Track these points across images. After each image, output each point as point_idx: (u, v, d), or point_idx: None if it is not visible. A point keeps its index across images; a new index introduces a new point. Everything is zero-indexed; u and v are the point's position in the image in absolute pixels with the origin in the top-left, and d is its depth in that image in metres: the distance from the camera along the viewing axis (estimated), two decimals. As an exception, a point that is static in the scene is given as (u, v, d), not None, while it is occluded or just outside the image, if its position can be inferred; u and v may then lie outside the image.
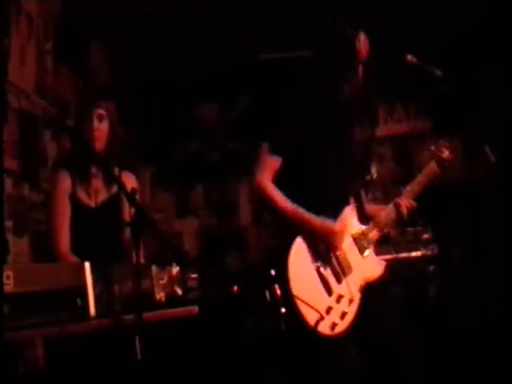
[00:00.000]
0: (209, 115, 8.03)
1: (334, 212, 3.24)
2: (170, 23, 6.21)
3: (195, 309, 2.99)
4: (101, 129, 3.36)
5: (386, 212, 3.41)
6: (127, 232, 3.35)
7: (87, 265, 2.51)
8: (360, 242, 3.31)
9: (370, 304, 3.25)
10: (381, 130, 7.73)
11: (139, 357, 2.50)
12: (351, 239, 3.29)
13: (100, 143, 3.37)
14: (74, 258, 3.23)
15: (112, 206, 3.46)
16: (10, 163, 4.36)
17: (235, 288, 5.69)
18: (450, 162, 3.67)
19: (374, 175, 7.17)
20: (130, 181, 3.49)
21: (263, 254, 7.27)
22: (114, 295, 2.60)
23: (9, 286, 2.25)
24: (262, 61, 7.16)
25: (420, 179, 3.56)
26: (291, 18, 6.20)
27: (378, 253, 3.42)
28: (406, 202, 3.46)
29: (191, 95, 7.86)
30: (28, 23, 4.76)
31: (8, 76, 4.38)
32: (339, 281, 3.16)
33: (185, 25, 6.25)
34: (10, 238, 4.28)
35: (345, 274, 3.19)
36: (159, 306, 2.83)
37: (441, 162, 3.64)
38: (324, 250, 3.15)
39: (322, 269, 3.11)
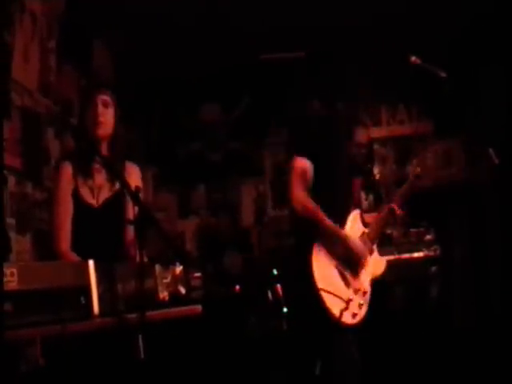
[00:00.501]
0: (210, 115, 8.03)
1: (338, 215, 3.51)
2: (172, 23, 6.21)
3: (198, 308, 2.99)
4: (106, 114, 3.30)
5: (381, 216, 3.72)
6: (130, 231, 3.34)
7: (91, 263, 2.51)
8: (366, 242, 3.60)
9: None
10: (383, 132, 7.73)
11: (142, 356, 2.50)
12: (360, 241, 3.57)
13: (104, 131, 3.31)
14: (74, 257, 3.22)
15: (115, 204, 3.43)
16: (13, 161, 4.36)
17: (237, 288, 5.69)
18: (423, 174, 4.12)
19: (377, 176, 7.16)
20: (134, 172, 3.48)
21: (266, 254, 7.28)
22: (117, 294, 2.59)
23: (13, 284, 2.24)
24: (263, 61, 7.16)
25: (402, 191, 3.88)
26: (292, 18, 6.20)
27: (380, 253, 3.67)
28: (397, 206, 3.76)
29: (193, 95, 7.86)
30: (32, 22, 4.76)
31: (11, 74, 4.39)
32: (355, 276, 3.48)
33: (187, 25, 6.25)
34: (12, 236, 4.28)
35: (359, 271, 3.50)
36: (162, 305, 2.82)
37: (417, 177, 4.03)
38: (342, 252, 3.44)
39: (340, 266, 3.42)
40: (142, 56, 6.72)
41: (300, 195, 3.36)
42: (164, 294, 2.84)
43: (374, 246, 3.68)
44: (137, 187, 2.77)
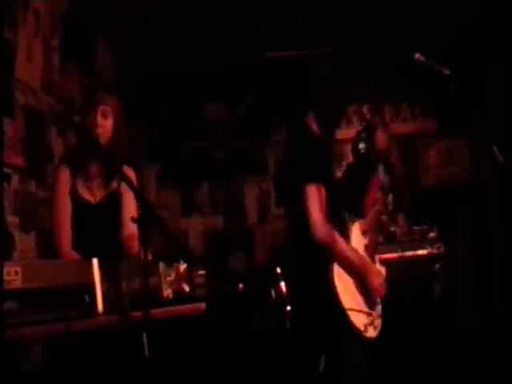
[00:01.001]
0: (214, 113, 8.04)
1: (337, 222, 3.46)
2: (176, 22, 6.21)
3: (202, 306, 2.99)
4: (104, 125, 3.33)
5: (370, 219, 3.80)
6: (128, 226, 3.34)
7: (95, 261, 2.51)
8: (369, 254, 3.64)
9: None
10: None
11: (147, 353, 2.50)
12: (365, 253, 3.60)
13: (103, 139, 3.35)
14: (75, 255, 3.22)
15: (112, 201, 3.44)
16: (17, 159, 4.36)
17: (241, 286, 5.70)
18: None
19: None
20: (129, 175, 3.48)
21: (269, 252, 7.28)
22: (121, 292, 2.59)
23: (17, 282, 2.24)
24: (267, 59, 7.15)
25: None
26: (297, 17, 6.21)
27: (384, 251, 3.66)
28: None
29: (197, 94, 7.87)
30: (35, 20, 4.76)
31: (15, 72, 4.39)
32: (371, 289, 3.46)
33: (190, 23, 6.25)
34: (16, 234, 4.28)
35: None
36: (166, 302, 2.82)
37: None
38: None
39: (357, 282, 3.40)
40: (145, 55, 6.72)
41: (321, 221, 3.29)
42: (168, 292, 2.84)
43: (376, 253, 3.73)
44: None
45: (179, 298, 2.88)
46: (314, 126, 3.51)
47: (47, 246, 4.21)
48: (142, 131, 7.48)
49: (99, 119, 3.31)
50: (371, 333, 3.38)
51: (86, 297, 2.45)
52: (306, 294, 3.40)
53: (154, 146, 7.87)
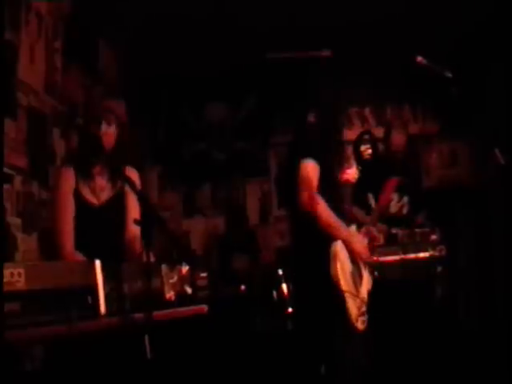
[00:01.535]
0: (216, 115, 8.04)
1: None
2: (179, 24, 6.21)
3: (205, 307, 2.99)
4: (109, 133, 3.34)
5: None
6: (131, 229, 3.35)
7: (98, 263, 2.51)
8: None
9: None
10: (388, 131, 7.71)
11: (149, 355, 2.50)
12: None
13: (108, 146, 3.35)
14: (79, 257, 3.23)
15: (116, 203, 3.44)
16: (19, 161, 4.37)
17: (243, 287, 5.70)
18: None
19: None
20: (133, 176, 3.48)
21: (272, 254, 7.28)
22: (124, 294, 2.60)
23: (20, 284, 2.25)
24: (270, 61, 7.16)
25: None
26: (299, 19, 6.21)
27: (385, 254, 3.73)
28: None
29: (199, 95, 7.87)
30: (38, 22, 4.77)
31: (17, 74, 4.40)
32: (361, 283, 3.59)
33: (193, 25, 6.26)
34: (18, 235, 4.29)
35: (362, 279, 3.62)
36: (169, 304, 2.83)
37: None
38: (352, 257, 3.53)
39: (353, 272, 3.51)
40: (147, 56, 6.73)
41: (311, 199, 3.36)
42: (170, 294, 2.84)
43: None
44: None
45: (181, 299, 2.89)
46: (314, 120, 3.56)
47: (49, 247, 4.22)
48: (145, 133, 7.48)
49: (104, 127, 3.31)
50: (360, 325, 3.42)
51: (89, 298, 2.46)
52: (307, 278, 3.46)
53: (156, 147, 7.87)
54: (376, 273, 3.94)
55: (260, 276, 6.07)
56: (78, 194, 3.35)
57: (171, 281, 2.86)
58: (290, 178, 3.54)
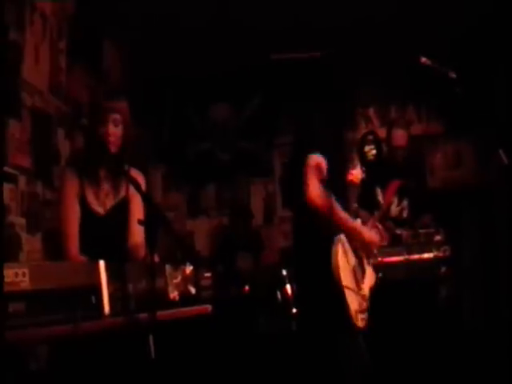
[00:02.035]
0: (221, 115, 8.04)
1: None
2: (183, 24, 6.22)
3: (208, 307, 2.99)
4: (116, 134, 3.33)
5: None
6: (135, 234, 3.35)
7: (102, 263, 2.52)
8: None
9: None
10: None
11: (153, 355, 2.50)
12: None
13: (114, 147, 3.35)
14: (83, 259, 3.22)
15: (120, 211, 3.43)
16: (24, 161, 4.37)
17: (247, 288, 5.70)
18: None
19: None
20: (137, 178, 3.47)
21: (277, 254, 7.28)
22: (128, 294, 2.60)
23: (24, 284, 2.25)
24: (274, 61, 7.16)
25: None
26: (304, 18, 6.21)
27: (390, 254, 3.72)
28: None
29: (203, 95, 7.88)
30: (42, 22, 4.77)
31: (22, 74, 4.40)
32: (362, 281, 3.57)
33: (197, 25, 6.26)
34: (23, 235, 4.29)
35: (365, 275, 3.60)
36: (173, 304, 2.83)
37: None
38: (357, 247, 3.54)
39: (356, 267, 3.50)
40: (152, 56, 6.74)
41: (318, 191, 3.35)
42: (174, 294, 2.84)
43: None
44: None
45: (185, 299, 2.89)
46: (321, 122, 3.56)
47: (53, 247, 4.23)
48: (149, 133, 7.48)
49: (111, 129, 3.30)
50: (359, 322, 3.39)
51: (93, 298, 2.46)
52: (308, 274, 3.45)
53: (161, 147, 7.87)
54: (380, 274, 3.94)
55: (264, 276, 6.07)
56: (83, 201, 3.33)
57: (175, 281, 2.86)
58: (294, 175, 3.53)
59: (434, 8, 6.09)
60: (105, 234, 3.34)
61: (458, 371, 4.86)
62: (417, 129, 7.77)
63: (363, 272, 3.60)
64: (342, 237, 3.45)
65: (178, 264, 2.91)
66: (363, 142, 5.53)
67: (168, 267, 2.86)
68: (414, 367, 4.69)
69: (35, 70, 4.62)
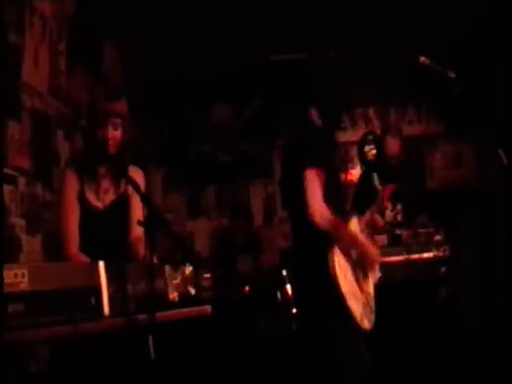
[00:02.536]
0: (221, 116, 8.05)
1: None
2: (183, 25, 6.22)
3: (208, 308, 3.00)
4: (115, 137, 3.35)
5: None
6: (134, 230, 3.36)
7: (101, 264, 2.52)
8: None
9: None
10: (392, 132, 7.72)
11: (152, 356, 2.50)
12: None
13: (113, 148, 3.37)
14: (83, 259, 3.24)
15: (120, 206, 3.46)
16: (23, 162, 4.38)
17: (247, 289, 5.70)
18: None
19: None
20: (137, 176, 3.48)
21: (277, 255, 7.28)
22: (127, 295, 2.60)
23: (23, 285, 2.25)
24: (274, 62, 7.16)
25: None
26: (304, 20, 6.21)
27: (390, 254, 3.69)
28: None
29: (204, 96, 7.88)
30: (42, 24, 4.77)
31: (22, 76, 4.41)
32: (365, 281, 3.53)
33: (198, 26, 6.27)
34: (22, 236, 4.30)
35: (367, 275, 3.56)
36: (172, 305, 2.83)
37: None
38: (356, 255, 3.46)
39: (355, 269, 3.43)
40: (152, 57, 6.74)
41: (319, 206, 3.33)
42: (174, 295, 2.84)
43: None
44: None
45: (185, 300, 2.89)
46: (316, 119, 3.55)
47: (53, 249, 4.23)
48: (149, 134, 7.49)
49: (110, 132, 3.32)
50: (366, 324, 3.36)
51: (93, 299, 2.46)
52: (307, 279, 3.43)
53: (161, 148, 7.88)
54: (380, 274, 3.93)
55: (264, 278, 6.07)
56: (83, 199, 3.37)
57: (175, 282, 2.86)
58: (290, 180, 3.53)
59: (433, 8, 6.09)
60: (104, 229, 3.37)
61: (457, 371, 4.86)
62: (416, 129, 7.79)
63: (364, 272, 3.55)
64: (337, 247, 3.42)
65: (177, 265, 2.92)
66: (363, 142, 5.54)
67: (168, 268, 2.86)
68: (414, 367, 4.69)
69: (35, 71, 4.63)
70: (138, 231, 3.25)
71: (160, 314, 2.60)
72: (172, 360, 2.83)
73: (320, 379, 3.37)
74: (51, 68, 4.91)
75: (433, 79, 3.27)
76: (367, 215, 3.79)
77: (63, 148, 5.06)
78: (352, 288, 3.35)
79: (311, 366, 3.46)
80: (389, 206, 5.03)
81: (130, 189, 3.33)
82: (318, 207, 3.31)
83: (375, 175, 4.53)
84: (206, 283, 3.04)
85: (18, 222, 4.27)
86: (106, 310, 2.49)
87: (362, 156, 5.46)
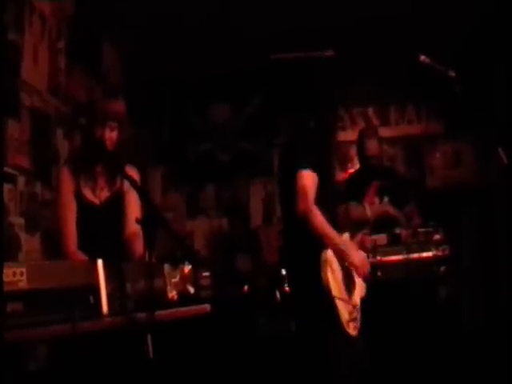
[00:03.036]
0: (220, 116, 8.04)
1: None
2: (182, 23, 6.22)
3: (207, 307, 2.99)
4: (112, 138, 3.38)
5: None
6: (130, 226, 3.37)
7: (100, 262, 2.52)
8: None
9: None
10: (392, 131, 7.72)
11: (151, 355, 2.50)
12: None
13: (111, 147, 3.39)
14: (82, 256, 3.24)
15: (115, 202, 3.48)
16: (23, 161, 4.38)
17: (246, 288, 5.70)
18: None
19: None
20: (132, 174, 3.49)
21: (276, 254, 7.27)
22: (126, 293, 2.60)
23: (22, 283, 2.25)
24: (273, 61, 7.15)
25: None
26: (303, 19, 6.20)
27: (389, 253, 3.71)
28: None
29: (203, 95, 7.87)
30: (41, 23, 4.77)
31: (21, 75, 4.41)
32: (352, 290, 3.53)
33: (197, 25, 6.26)
34: (22, 235, 4.30)
35: (354, 286, 3.56)
36: (171, 304, 2.83)
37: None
38: (344, 264, 3.47)
39: (345, 278, 3.46)
40: (151, 56, 6.73)
41: (312, 209, 3.34)
42: (173, 294, 2.84)
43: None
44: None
45: (184, 299, 2.89)
46: (311, 122, 3.56)
47: (52, 247, 4.23)
48: (148, 133, 7.49)
49: (107, 133, 3.35)
50: (352, 330, 3.39)
51: (91, 298, 2.46)
52: (298, 282, 3.45)
53: (160, 147, 7.87)
54: (379, 273, 3.94)
55: (263, 277, 6.07)
56: (79, 195, 3.39)
57: (174, 280, 2.86)
58: (285, 182, 3.54)
59: (433, 8, 6.08)
60: (101, 224, 3.39)
61: (457, 371, 4.86)
62: (416, 128, 7.78)
63: (353, 282, 3.56)
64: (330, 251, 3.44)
65: (176, 263, 2.92)
66: (363, 136, 5.53)
67: (167, 266, 2.86)
68: (414, 366, 4.69)
69: (34, 70, 4.63)
70: (133, 227, 3.26)
71: (159, 313, 2.60)
72: (171, 359, 2.83)
73: (314, 378, 3.37)
74: (50, 66, 4.91)
75: (433, 78, 3.27)
76: (358, 236, 3.81)
77: (63, 146, 5.06)
78: (341, 294, 3.39)
79: (306, 364, 3.47)
80: (376, 200, 5.03)
81: (126, 185, 3.36)
82: (307, 196, 3.32)
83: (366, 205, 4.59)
84: (205, 282, 3.04)
85: (17, 220, 4.27)
86: (105, 308, 2.49)
87: (362, 150, 5.45)
